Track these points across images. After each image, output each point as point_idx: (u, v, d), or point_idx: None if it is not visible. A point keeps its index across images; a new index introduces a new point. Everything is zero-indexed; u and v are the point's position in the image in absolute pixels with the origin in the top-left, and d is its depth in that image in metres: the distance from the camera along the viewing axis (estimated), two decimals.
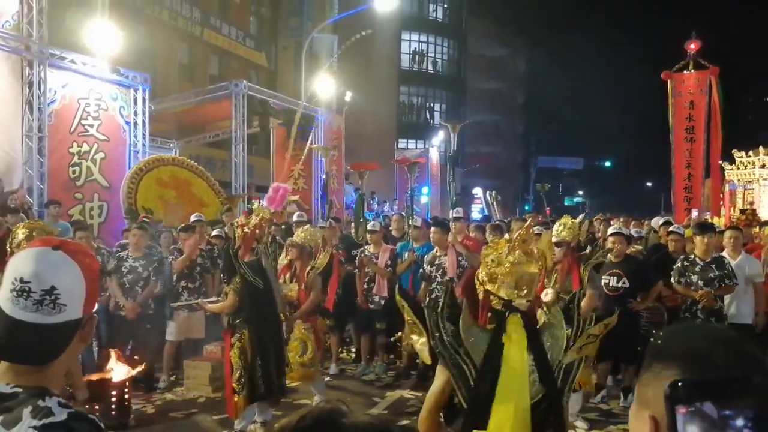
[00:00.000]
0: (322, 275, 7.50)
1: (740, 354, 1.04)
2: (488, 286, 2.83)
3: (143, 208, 11.26)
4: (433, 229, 8.35)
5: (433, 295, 7.76)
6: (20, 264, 1.54)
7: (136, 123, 12.34)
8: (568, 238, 6.69)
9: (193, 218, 9.84)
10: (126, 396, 6.53)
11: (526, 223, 4.14)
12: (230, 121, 15.35)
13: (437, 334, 2.76)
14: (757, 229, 10.51)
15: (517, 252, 2.84)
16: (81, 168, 11.22)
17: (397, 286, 3.13)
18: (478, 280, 2.91)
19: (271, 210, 6.26)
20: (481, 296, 2.89)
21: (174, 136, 17.03)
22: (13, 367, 1.52)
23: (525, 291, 2.79)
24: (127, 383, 6.59)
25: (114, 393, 6.39)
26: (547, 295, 6.09)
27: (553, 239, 6.85)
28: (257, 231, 6.07)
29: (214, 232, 9.51)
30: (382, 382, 8.36)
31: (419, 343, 2.88)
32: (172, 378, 8.19)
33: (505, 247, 2.88)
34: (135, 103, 12.34)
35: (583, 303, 6.30)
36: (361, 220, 11.10)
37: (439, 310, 2.85)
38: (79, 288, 1.56)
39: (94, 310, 1.65)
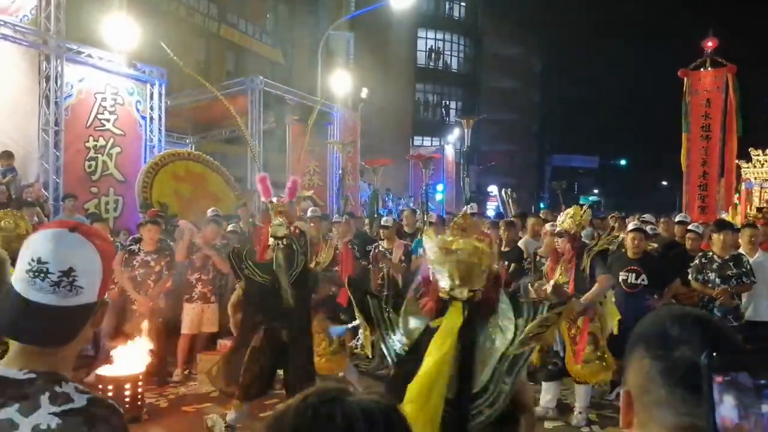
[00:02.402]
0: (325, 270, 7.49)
1: (698, 329, 1.13)
2: (438, 276, 2.86)
3: (158, 203, 11.30)
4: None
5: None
6: (37, 245, 1.52)
7: (152, 118, 12.41)
8: (570, 228, 6.63)
9: (209, 213, 9.88)
10: (139, 390, 6.54)
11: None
12: (246, 117, 15.38)
13: (374, 317, 2.90)
14: None
15: (459, 242, 2.83)
16: (97, 162, 11.30)
17: (347, 277, 3.20)
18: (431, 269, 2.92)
19: (277, 202, 6.17)
20: (432, 286, 2.91)
21: (189, 131, 17.09)
22: (24, 351, 1.50)
23: (459, 281, 2.77)
24: (140, 377, 6.61)
25: (127, 386, 6.39)
26: (549, 287, 6.10)
27: (555, 229, 6.83)
28: (268, 227, 6.01)
29: (229, 227, 9.52)
30: None
31: (364, 333, 2.95)
32: (186, 372, 8.21)
33: (456, 239, 2.87)
34: (151, 98, 12.40)
35: (596, 286, 6.32)
36: (375, 215, 11.08)
37: (384, 300, 2.96)
38: (96, 271, 1.55)
39: (106, 295, 1.63)
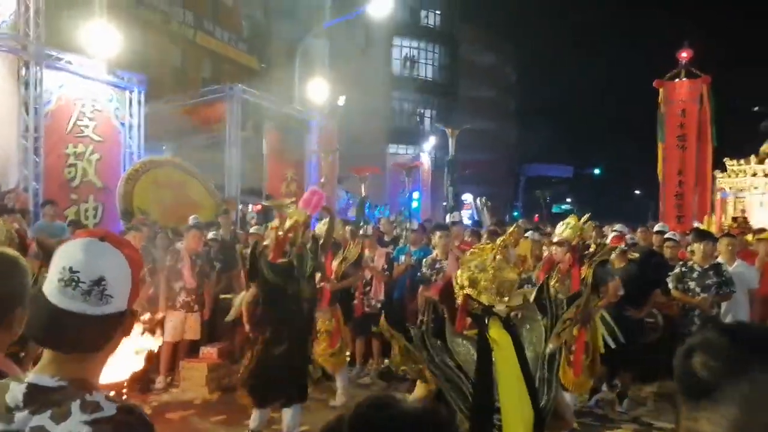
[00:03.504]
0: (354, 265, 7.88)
1: None
2: (469, 291, 2.81)
3: (139, 210, 11.23)
4: (438, 233, 8.35)
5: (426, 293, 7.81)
6: (69, 254, 1.54)
7: (131, 125, 12.32)
8: (569, 237, 6.72)
9: (191, 220, 9.86)
10: (123, 396, 6.51)
11: (510, 230, 4.19)
12: (224, 124, 15.32)
13: (425, 353, 2.71)
14: (749, 237, 10.59)
15: (498, 258, 2.84)
16: (76, 169, 11.20)
17: (382, 316, 3.00)
18: (458, 283, 2.88)
19: (307, 213, 6.22)
20: (460, 300, 2.85)
21: (167, 138, 16.97)
22: (56, 359, 1.52)
23: (506, 297, 2.77)
24: (124, 384, 6.58)
25: (111, 394, 6.33)
26: None
27: (555, 239, 6.91)
28: (290, 234, 6.04)
29: (210, 235, 9.49)
30: (377, 386, 8.37)
31: (416, 369, 2.79)
32: (168, 379, 8.18)
33: (490, 254, 2.87)
34: (130, 104, 12.31)
35: (610, 291, 6.43)
36: (363, 223, 11.10)
37: (424, 328, 2.78)
38: (126, 280, 1.57)
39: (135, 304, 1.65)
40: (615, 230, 10.03)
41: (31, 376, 1.50)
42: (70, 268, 1.50)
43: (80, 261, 1.51)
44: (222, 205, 12.24)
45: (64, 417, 1.42)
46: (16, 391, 1.47)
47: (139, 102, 12.48)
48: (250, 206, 19.04)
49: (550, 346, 2.82)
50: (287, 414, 5.92)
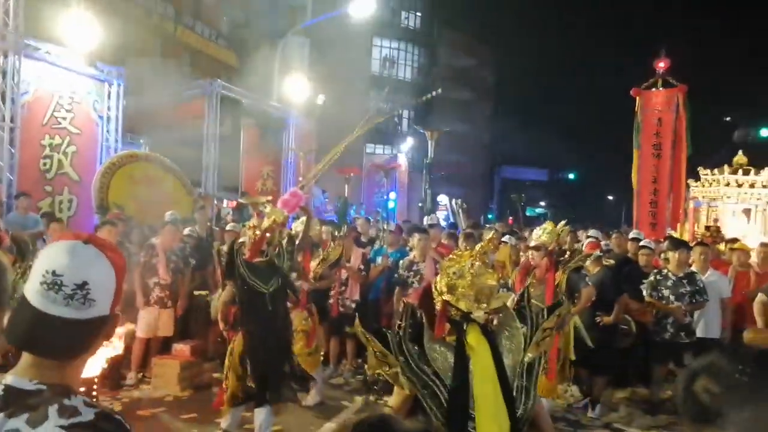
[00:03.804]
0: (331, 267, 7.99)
1: None
2: (447, 297, 2.79)
3: (115, 204, 11.11)
4: (417, 236, 8.36)
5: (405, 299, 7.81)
6: (52, 257, 1.52)
7: (109, 118, 12.18)
8: (547, 242, 6.78)
9: (167, 216, 9.79)
10: (93, 393, 6.44)
11: (490, 236, 4.20)
12: (201, 119, 15.22)
13: (401, 358, 2.71)
14: (722, 246, 10.75)
15: (477, 264, 2.82)
16: (52, 161, 11.03)
17: (357, 320, 2.95)
18: (437, 289, 2.87)
19: (285, 213, 6.19)
20: (438, 306, 2.84)
21: (144, 132, 16.81)
22: (36, 363, 1.50)
23: (484, 303, 2.76)
24: (94, 380, 6.51)
25: (81, 390, 6.27)
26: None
27: (532, 243, 6.96)
28: (268, 234, 6.01)
29: (186, 231, 9.43)
30: (350, 386, 8.37)
31: (391, 373, 2.77)
32: (140, 375, 8.11)
33: (468, 260, 2.85)
34: (109, 97, 12.18)
35: (583, 298, 6.49)
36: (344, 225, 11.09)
37: (402, 332, 2.78)
38: (109, 284, 1.55)
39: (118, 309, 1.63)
40: (589, 236, 10.15)
41: (9, 378, 1.48)
42: (53, 272, 1.48)
43: (64, 264, 1.49)
44: (198, 202, 12.15)
45: (40, 421, 1.40)
46: None
47: (118, 95, 12.33)
48: (225, 202, 18.94)
49: (529, 355, 2.82)
50: (260, 414, 5.90)
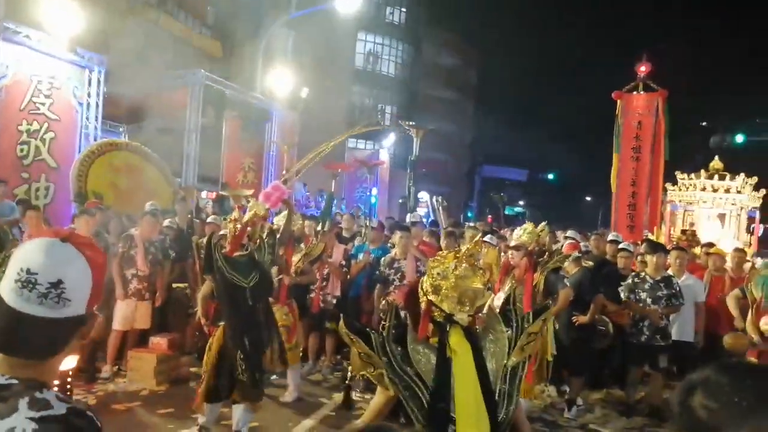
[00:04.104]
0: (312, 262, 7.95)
1: None
2: (432, 297, 2.78)
3: (93, 193, 10.99)
4: (399, 233, 8.35)
5: (390, 298, 7.82)
6: (27, 255, 1.50)
7: (89, 105, 12.04)
8: (527, 242, 6.81)
9: (148, 206, 9.69)
10: (68, 386, 6.35)
11: (476, 238, 4.18)
12: (183, 110, 15.10)
13: (384, 359, 2.69)
14: (697, 250, 10.87)
15: (463, 266, 2.80)
16: (29, 147, 10.88)
17: (342, 319, 2.87)
18: (422, 289, 2.85)
19: (266, 206, 6.14)
20: (423, 306, 2.82)
21: (124, 120, 16.65)
22: (8, 360, 1.48)
23: (467, 306, 2.74)
24: (69, 373, 6.42)
25: (55, 383, 6.19)
26: (500, 299, 6.17)
27: (512, 243, 6.98)
28: (249, 227, 5.95)
29: (165, 222, 9.35)
30: (329, 383, 8.32)
31: (375, 374, 2.75)
32: (115, 369, 8.02)
33: (452, 262, 2.83)
34: (89, 84, 12.03)
35: (560, 299, 6.51)
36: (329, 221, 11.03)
37: (385, 333, 2.76)
38: (85, 283, 1.54)
39: (95, 307, 1.62)
40: (567, 236, 10.22)
41: None
42: (28, 270, 1.47)
43: (39, 263, 1.48)
44: (179, 193, 12.05)
45: (9, 413, 1.38)
46: None
47: (99, 82, 12.20)
48: (205, 194, 18.83)
49: (513, 359, 2.81)
50: (238, 410, 5.87)
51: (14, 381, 1.44)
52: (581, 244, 9.93)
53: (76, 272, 1.51)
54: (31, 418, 1.38)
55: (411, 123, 21.21)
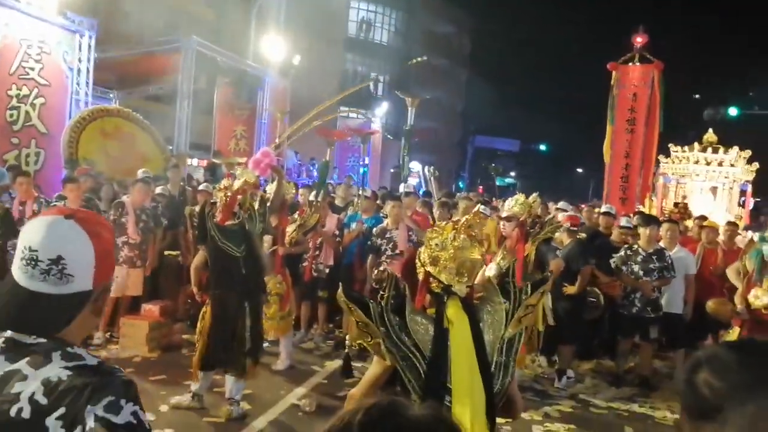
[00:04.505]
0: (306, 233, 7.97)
1: None
2: (429, 269, 2.77)
3: (84, 159, 10.89)
4: (391, 203, 8.35)
5: (382, 268, 7.83)
6: (30, 232, 1.54)
7: (79, 70, 11.88)
8: (519, 213, 6.80)
9: (140, 173, 9.63)
10: None
11: (475, 209, 4.18)
12: (175, 76, 14.93)
13: (383, 329, 2.68)
14: (690, 223, 10.91)
15: (461, 237, 2.79)
16: (19, 112, 10.76)
17: (341, 288, 2.83)
18: (419, 260, 2.85)
19: (256, 174, 6.09)
20: (421, 277, 2.82)
21: (115, 86, 16.48)
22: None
23: (466, 277, 2.74)
24: None
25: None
26: (491, 269, 6.19)
27: (504, 213, 6.98)
28: (240, 195, 5.92)
29: (157, 189, 9.30)
30: (320, 351, 8.37)
31: (372, 343, 2.73)
32: (107, 335, 8.03)
33: (451, 233, 2.81)
34: (80, 49, 11.86)
35: (552, 270, 6.54)
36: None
37: (384, 303, 2.75)
38: (87, 259, 1.54)
39: (108, 282, 1.63)
40: (559, 207, 10.23)
41: (8, 332, 1.49)
42: (29, 247, 1.51)
43: (38, 240, 1.51)
44: (171, 160, 11.96)
45: (43, 363, 1.43)
46: None
47: (89, 47, 12.03)
48: (196, 161, 18.74)
49: (510, 331, 2.81)
50: (231, 378, 5.89)
51: (42, 340, 1.47)
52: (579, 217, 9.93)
53: (76, 248, 1.52)
54: (65, 367, 1.43)
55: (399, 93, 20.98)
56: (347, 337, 2.97)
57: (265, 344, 7.65)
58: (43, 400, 1.38)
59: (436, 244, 2.81)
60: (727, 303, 7.07)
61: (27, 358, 1.43)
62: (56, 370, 1.42)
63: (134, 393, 1.48)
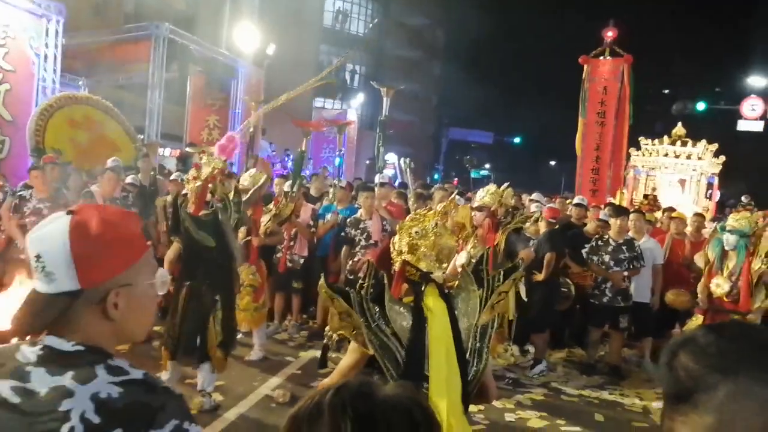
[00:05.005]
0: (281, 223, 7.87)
1: None
2: (407, 257, 2.80)
3: (52, 149, 10.67)
4: (364, 193, 8.34)
5: (356, 258, 7.83)
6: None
7: (46, 56, 11.65)
8: (489, 203, 6.85)
9: (110, 162, 9.49)
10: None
11: (451, 197, 4.18)
12: (146, 64, 14.72)
13: (362, 318, 2.69)
14: (659, 214, 11.05)
15: (439, 224, 2.84)
16: None
17: (322, 279, 2.83)
18: (396, 249, 2.87)
19: (223, 159, 6.01)
20: (397, 267, 2.84)
21: (83, 74, 16.20)
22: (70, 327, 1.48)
23: (444, 263, 2.79)
24: None
25: (13, 341, 6.09)
26: (461, 258, 6.21)
27: (475, 204, 7.02)
28: (209, 183, 5.85)
29: (128, 179, 9.17)
30: (294, 342, 8.33)
31: (353, 333, 2.74)
32: None
33: (432, 220, 2.85)
34: (47, 34, 11.62)
35: (522, 260, 6.57)
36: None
37: (363, 292, 2.77)
38: (60, 257, 1.42)
39: (112, 282, 1.47)
40: (532, 199, 10.34)
41: (45, 338, 1.44)
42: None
43: (30, 237, 1.49)
44: (142, 149, 11.80)
45: (89, 379, 1.37)
46: (28, 353, 1.41)
47: (57, 33, 11.78)
48: (169, 151, 18.54)
49: (484, 318, 2.83)
50: (203, 370, 5.83)
51: (81, 348, 1.42)
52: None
53: (50, 245, 1.43)
54: (113, 383, 1.37)
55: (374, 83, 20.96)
56: (327, 328, 2.95)
57: (239, 335, 7.65)
58: (96, 419, 1.32)
59: (416, 232, 2.83)
60: (684, 294, 7.23)
61: (71, 372, 1.37)
62: (104, 386, 1.36)
63: (189, 411, 1.45)
